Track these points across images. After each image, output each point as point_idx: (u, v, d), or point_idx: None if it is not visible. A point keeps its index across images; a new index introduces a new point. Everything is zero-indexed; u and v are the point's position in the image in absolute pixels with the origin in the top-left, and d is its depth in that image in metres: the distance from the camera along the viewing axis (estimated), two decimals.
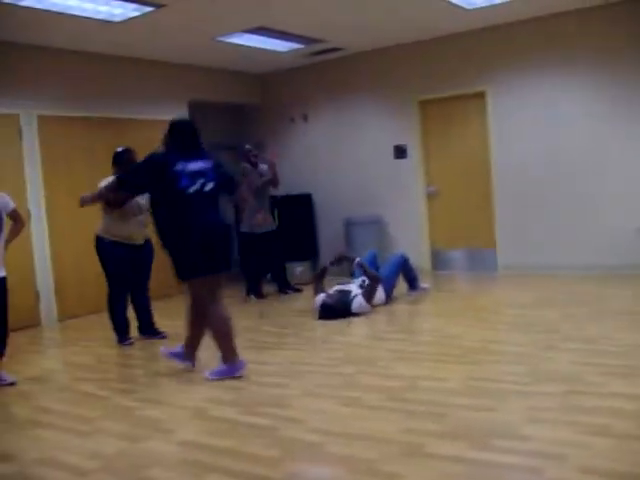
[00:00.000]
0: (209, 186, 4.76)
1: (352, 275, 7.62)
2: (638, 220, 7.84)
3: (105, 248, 6.12)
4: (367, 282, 6.96)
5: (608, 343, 4.90)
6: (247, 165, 8.32)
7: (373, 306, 6.86)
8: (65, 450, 3.65)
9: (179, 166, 4.65)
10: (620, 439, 3.14)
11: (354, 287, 6.93)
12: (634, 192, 7.92)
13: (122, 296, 6.29)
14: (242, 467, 3.19)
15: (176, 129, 4.89)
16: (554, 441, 3.18)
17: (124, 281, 6.23)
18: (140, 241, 6.27)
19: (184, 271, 4.74)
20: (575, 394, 3.84)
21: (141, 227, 6.23)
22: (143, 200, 6.05)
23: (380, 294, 7.04)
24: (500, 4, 7.56)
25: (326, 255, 10.20)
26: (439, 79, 9.23)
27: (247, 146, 8.63)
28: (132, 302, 6.44)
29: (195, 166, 4.73)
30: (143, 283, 6.42)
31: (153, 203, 4.85)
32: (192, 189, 4.65)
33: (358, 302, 6.71)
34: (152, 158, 4.79)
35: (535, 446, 3.14)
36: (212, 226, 4.78)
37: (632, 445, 3.07)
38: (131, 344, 6.21)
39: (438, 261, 9.66)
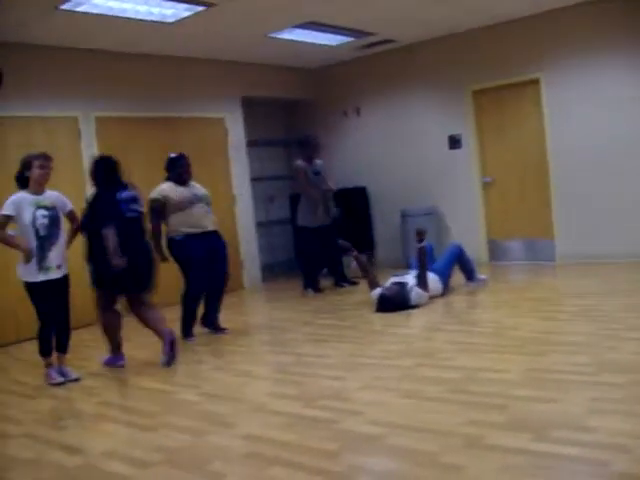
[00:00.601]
0: (138, 213, 5.51)
1: (409, 267, 7.61)
2: None
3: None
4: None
5: None
6: (300, 162, 8.36)
7: (430, 297, 6.83)
8: (129, 444, 3.75)
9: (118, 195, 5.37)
10: None
11: (410, 278, 6.90)
12: None
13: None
14: (303, 460, 3.22)
15: (100, 165, 5.56)
16: (619, 433, 3.12)
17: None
18: None
19: (104, 282, 5.39)
20: (638, 385, 3.77)
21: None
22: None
23: (437, 285, 7.01)
24: None
25: (382, 248, 10.22)
26: (492, 67, 9.12)
27: (309, 135, 8.74)
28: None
29: (126, 195, 5.44)
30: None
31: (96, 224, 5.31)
32: (129, 215, 5.38)
33: (416, 293, 6.69)
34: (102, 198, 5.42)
35: (599, 438, 3.09)
36: (139, 250, 5.48)
37: None
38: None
39: (495, 252, 9.56)
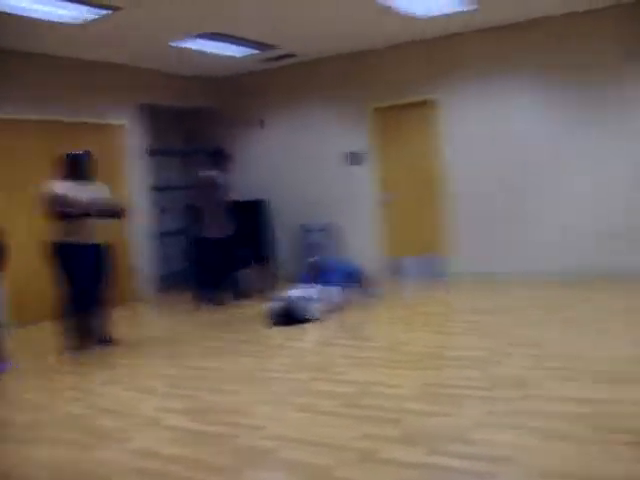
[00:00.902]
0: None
1: (302, 281, 7.63)
2: (596, 224, 7.99)
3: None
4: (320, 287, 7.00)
5: (558, 348, 4.97)
6: (215, 173, 8.27)
7: (326, 311, 6.86)
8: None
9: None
10: (571, 442, 3.18)
11: (307, 292, 6.93)
12: (590, 196, 8.09)
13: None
14: (194, 475, 3.15)
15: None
16: (507, 445, 3.21)
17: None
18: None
19: None
20: (528, 399, 3.88)
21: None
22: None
23: (333, 298, 7.07)
24: (452, 14, 7.64)
25: (283, 261, 10.20)
26: (393, 87, 9.30)
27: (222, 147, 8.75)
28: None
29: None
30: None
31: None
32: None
33: (312, 307, 6.71)
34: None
35: (488, 450, 3.16)
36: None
37: (583, 448, 3.11)
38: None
39: (392, 268, 9.70)
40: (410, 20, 7.73)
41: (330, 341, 6.09)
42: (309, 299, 6.79)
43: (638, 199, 7.85)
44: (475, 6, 7.38)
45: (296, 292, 6.98)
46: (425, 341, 5.63)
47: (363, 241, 9.68)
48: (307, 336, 6.32)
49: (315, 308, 6.74)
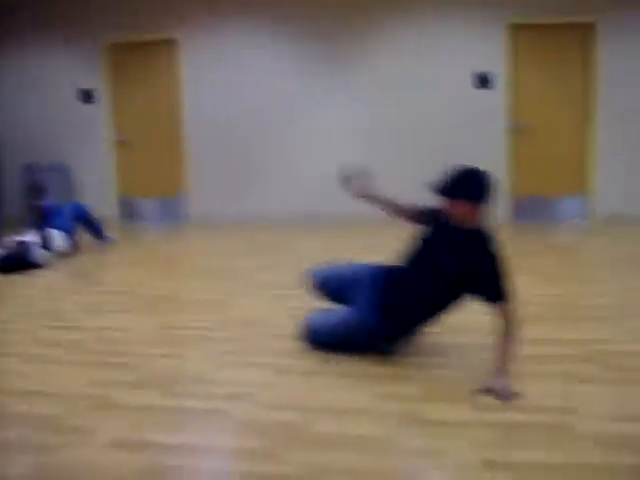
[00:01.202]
0: None
1: (29, 225, 7.21)
2: (323, 169, 8.40)
3: None
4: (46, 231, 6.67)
5: (294, 289, 5.21)
6: None
7: (57, 256, 6.56)
8: None
9: None
10: (302, 375, 3.38)
11: (32, 236, 6.57)
12: (320, 143, 8.48)
13: None
14: None
15: None
16: (242, 383, 3.33)
17: None
18: None
19: None
20: (261, 337, 4.04)
21: None
22: None
23: (62, 243, 6.77)
24: None
25: (8, 204, 9.52)
26: (132, 22, 8.97)
27: None
28: None
29: None
30: None
31: None
32: None
33: (39, 252, 6.38)
34: None
35: (224, 390, 3.25)
36: None
37: (313, 380, 3.32)
38: None
39: (128, 211, 9.49)
40: None
41: (60, 287, 5.84)
42: (36, 244, 6.44)
43: (354, 149, 8.39)
44: None
45: (22, 237, 6.57)
46: (160, 285, 5.61)
47: (99, 183, 9.33)
48: (36, 283, 6.00)
49: (43, 254, 6.41)
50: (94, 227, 7.40)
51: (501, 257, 3.31)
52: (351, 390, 3.20)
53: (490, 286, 3.25)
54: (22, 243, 6.42)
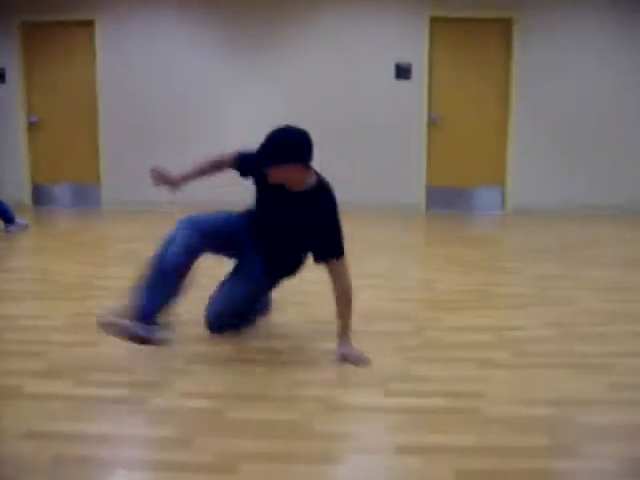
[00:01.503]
0: None
1: None
2: None
3: None
4: None
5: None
6: None
7: None
8: None
9: None
10: (215, 363, 3.37)
11: None
12: (236, 134, 8.45)
13: None
14: None
15: None
16: (156, 371, 3.29)
17: None
18: None
19: None
20: (171, 324, 3.99)
21: None
22: None
23: None
24: None
25: None
26: (44, 1, 8.68)
27: None
28: None
29: None
30: None
31: None
32: None
33: None
34: None
35: (137, 377, 3.21)
36: None
37: (226, 368, 3.31)
38: None
39: (40, 196, 9.23)
40: None
41: None
42: None
43: None
44: None
45: None
46: (76, 271, 5.48)
47: (10, 167, 9.03)
48: None
49: None
50: (2, 211, 7.16)
51: (338, 213, 3.39)
52: (265, 377, 3.21)
53: (331, 242, 3.36)
54: None
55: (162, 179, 3.67)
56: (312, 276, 5.28)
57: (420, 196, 8.81)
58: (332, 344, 3.67)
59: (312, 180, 3.35)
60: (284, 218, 3.42)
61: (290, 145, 3.16)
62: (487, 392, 3.01)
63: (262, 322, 4.07)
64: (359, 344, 3.64)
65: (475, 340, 3.74)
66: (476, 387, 3.07)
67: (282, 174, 3.22)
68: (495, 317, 4.23)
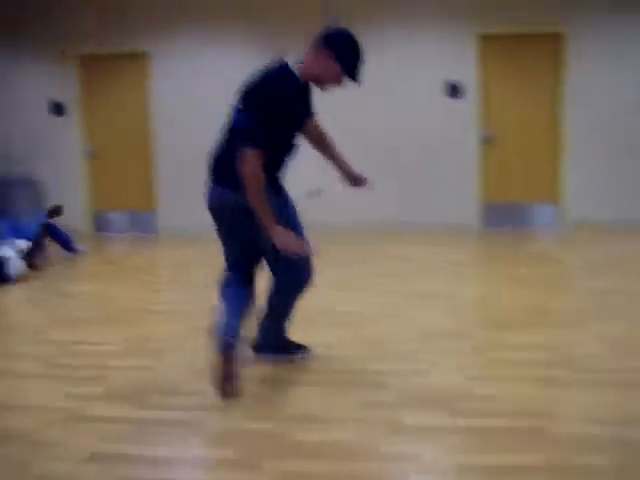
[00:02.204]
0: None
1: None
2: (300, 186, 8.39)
3: None
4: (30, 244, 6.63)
5: None
6: None
7: (25, 269, 6.45)
8: None
9: None
10: (276, 387, 3.35)
11: (7, 249, 6.44)
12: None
13: None
14: None
15: None
16: (216, 394, 3.28)
17: None
18: None
19: None
20: None
21: None
22: None
23: (31, 257, 6.66)
24: None
25: None
26: (104, 35, 8.91)
27: None
28: None
29: None
30: None
31: None
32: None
33: (14, 265, 6.26)
34: None
35: (197, 401, 3.20)
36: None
37: (287, 389, 3.28)
38: None
39: (99, 223, 9.39)
40: None
41: (33, 300, 5.75)
42: (10, 256, 6.31)
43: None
44: None
45: None
46: (130, 296, 5.55)
47: (69, 195, 9.22)
48: (5, 297, 5.89)
49: (20, 266, 6.31)
50: (62, 239, 7.31)
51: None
52: (329, 398, 3.17)
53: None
54: None
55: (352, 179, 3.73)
56: (354, 299, 5.25)
57: (475, 214, 8.70)
58: (392, 366, 3.62)
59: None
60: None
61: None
62: (551, 411, 2.93)
63: (319, 344, 4.04)
64: (420, 364, 3.59)
65: (535, 358, 3.65)
66: (539, 406, 2.99)
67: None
68: (554, 334, 4.12)
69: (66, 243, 7.33)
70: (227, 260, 3.59)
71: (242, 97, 3.20)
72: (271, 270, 3.49)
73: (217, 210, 3.45)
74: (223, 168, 3.31)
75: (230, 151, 3.22)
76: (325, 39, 3.21)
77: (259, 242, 3.35)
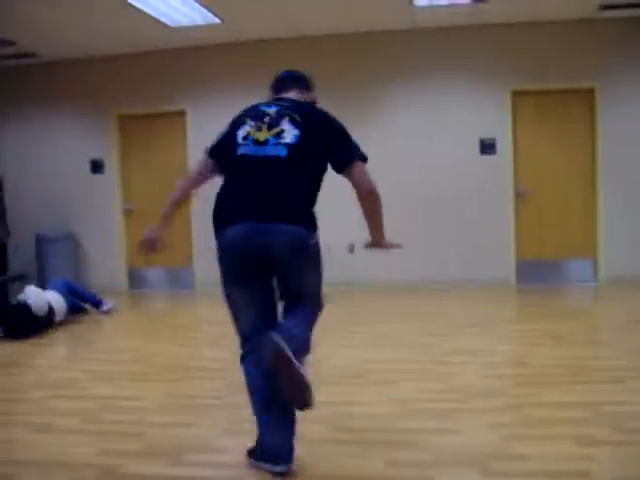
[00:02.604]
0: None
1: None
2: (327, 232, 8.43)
3: None
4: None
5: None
6: None
7: (64, 323, 6.58)
8: None
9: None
10: (308, 445, 3.35)
11: (55, 294, 6.69)
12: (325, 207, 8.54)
13: None
14: None
15: None
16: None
17: None
18: None
19: None
20: None
21: None
22: None
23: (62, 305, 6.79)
24: (202, 26, 7.78)
25: (14, 271, 9.57)
26: (140, 94, 9.19)
27: None
28: None
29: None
30: None
31: None
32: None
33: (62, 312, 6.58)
34: None
35: (232, 458, 3.22)
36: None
37: (317, 449, 3.28)
38: None
39: (135, 280, 9.53)
40: (159, 27, 7.72)
41: (69, 356, 5.84)
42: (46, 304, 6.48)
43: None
44: (219, 21, 7.59)
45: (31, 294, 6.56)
46: (169, 353, 5.60)
47: (106, 252, 9.40)
48: (42, 352, 6.00)
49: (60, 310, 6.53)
50: (85, 297, 7.33)
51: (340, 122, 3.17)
52: (362, 457, 3.17)
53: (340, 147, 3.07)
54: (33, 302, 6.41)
55: (147, 245, 3.50)
56: (388, 356, 5.24)
57: (510, 270, 8.66)
58: (425, 424, 3.61)
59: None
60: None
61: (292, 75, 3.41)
62: (590, 471, 2.89)
63: (350, 402, 4.04)
64: (454, 422, 3.57)
65: (573, 416, 3.61)
66: (578, 465, 2.95)
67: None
68: (592, 392, 4.08)
69: (90, 300, 7.34)
70: (242, 332, 3.20)
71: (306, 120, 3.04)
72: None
73: (258, 255, 2.96)
74: (286, 201, 2.93)
75: (293, 182, 2.95)
76: (309, 81, 3.39)
77: (303, 286, 3.08)
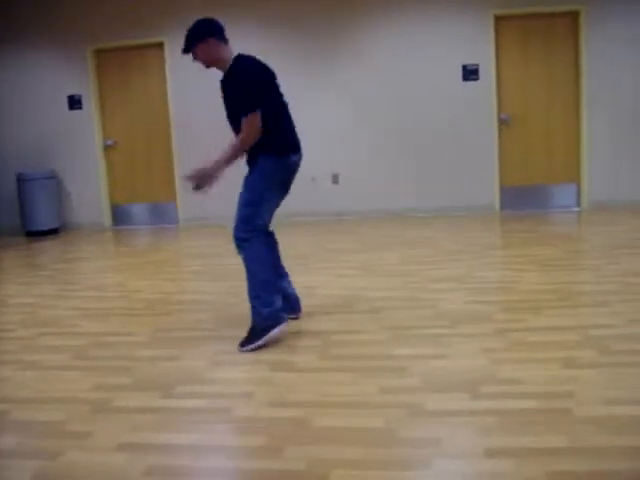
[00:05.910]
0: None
1: None
2: (311, 170, 8.38)
3: None
4: None
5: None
6: None
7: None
8: None
9: None
10: (299, 372, 3.39)
11: None
12: (305, 142, 8.45)
13: None
14: None
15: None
16: (240, 381, 3.33)
17: None
18: None
19: None
20: None
21: None
22: None
23: None
24: None
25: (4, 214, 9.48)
26: (117, 26, 8.97)
27: None
28: None
29: None
30: None
31: None
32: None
33: None
34: None
35: (222, 388, 3.25)
36: None
37: (310, 376, 3.32)
38: None
39: (119, 216, 9.47)
40: None
41: (55, 294, 5.82)
42: None
43: (342, 146, 8.39)
44: None
45: None
46: (156, 287, 5.61)
47: (89, 190, 9.31)
48: (30, 290, 5.98)
49: None
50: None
51: (245, 79, 3.90)
52: (351, 384, 3.21)
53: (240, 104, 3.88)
54: None
55: (200, 179, 4.01)
56: (376, 284, 5.28)
57: (494, 196, 8.68)
58: (415, 350, 3.64)
59: (230, 57, 4.12)
60: (226, 103, 4.15)
61: (196, 24, 4.13)
62: (577, 392, 2.94)
63: (341, 330, 4.07)
64: (443, 348, 3.61)
65: (560, 340, 3.65)
66: (565, 387, 3.00)
67: (202, 54, 4.11)
68: (579, 316, 4.13)
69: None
70: (263, 221, 3.96)
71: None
72: None
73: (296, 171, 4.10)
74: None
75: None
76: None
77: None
